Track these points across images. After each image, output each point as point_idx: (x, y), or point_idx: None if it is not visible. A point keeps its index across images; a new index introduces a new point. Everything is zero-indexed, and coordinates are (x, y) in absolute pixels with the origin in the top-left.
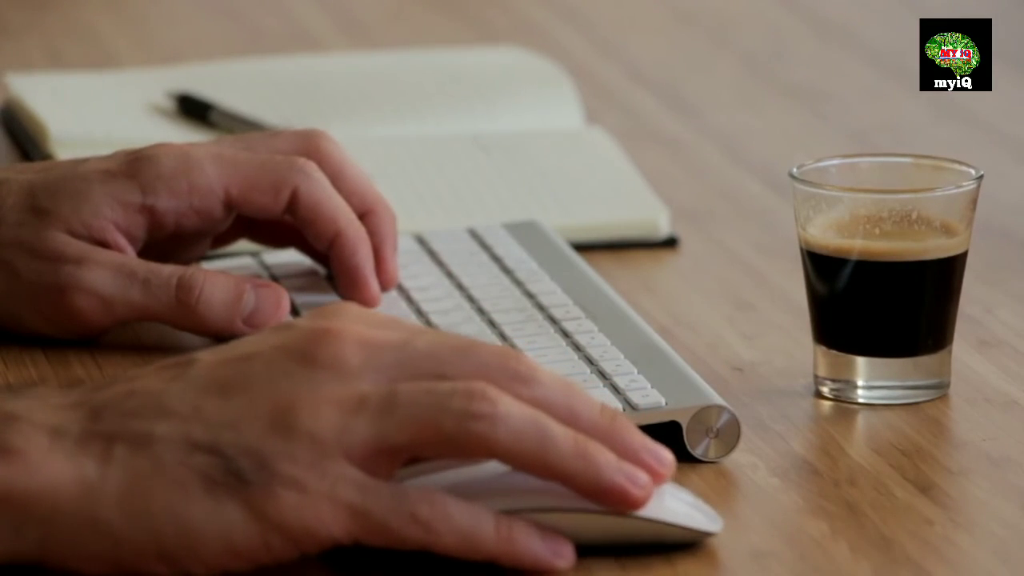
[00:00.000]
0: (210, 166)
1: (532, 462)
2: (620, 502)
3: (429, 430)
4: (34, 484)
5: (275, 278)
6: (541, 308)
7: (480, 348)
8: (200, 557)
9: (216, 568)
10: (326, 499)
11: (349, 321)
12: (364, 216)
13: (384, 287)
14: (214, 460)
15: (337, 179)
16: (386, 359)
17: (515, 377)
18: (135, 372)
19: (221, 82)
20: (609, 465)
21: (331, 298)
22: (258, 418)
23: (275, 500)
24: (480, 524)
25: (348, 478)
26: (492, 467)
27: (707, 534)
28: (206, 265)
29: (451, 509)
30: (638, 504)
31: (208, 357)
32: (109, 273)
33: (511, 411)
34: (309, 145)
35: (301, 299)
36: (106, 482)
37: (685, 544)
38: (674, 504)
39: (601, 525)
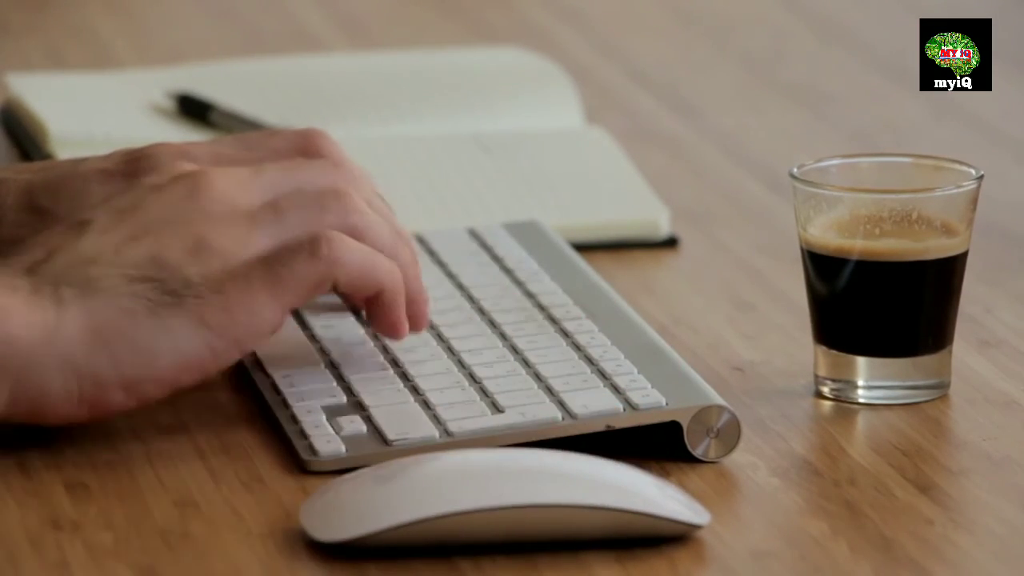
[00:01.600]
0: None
1: (383, 250)
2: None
3: (314, 228)
4: (4, 334)
5: None
6: (541, 308)
7: (311, 163)
8: (156, 376)
9: (169, 386)
10: (247, 292)
11: (204, 164)
12: None
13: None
14: (150, 285)
15: None
16: (254, 184)
17: (351, 179)
18: (33, 241)
19: (221, 82)
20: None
21: (332, 298)
22: (172, 249)
23: (209, 306)
24: (378, 257)
25: (258, 269)
26: (491, 465)
27: (695, 527)
28: None
29: (348, 242)
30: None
31: (100, 215)
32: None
33: (371, 213)
34: (308, 145)
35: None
36: (64, 321)
37: (684, 544)
38: (663, 500)
39: (595, 520)
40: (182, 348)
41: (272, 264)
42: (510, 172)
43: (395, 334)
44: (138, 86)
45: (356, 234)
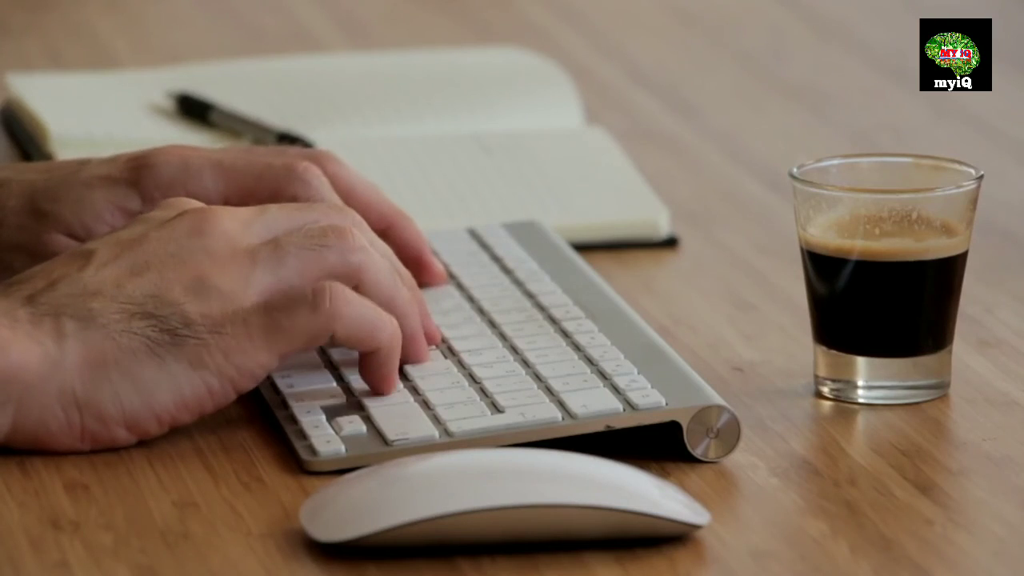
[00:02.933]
0: (209, 175)
1: (382, 291)
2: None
3: (315, 265)
4: (5, 364)
5: None
6: (541, 308)
7: (313, 205)
8: (155, 414)
9: (168, 423)
10: (245, 336)
11: (207, 202)
12: (386, 231)
13: (436, 282)
14: (151, 323)
15: (349, 198)
16: (257, 223)
17: (356, 224)
18: (35, 269)
19: (221, 82)
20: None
21: None
22: (173, 286)
23: (207, 348)
24: (378, 314)
25: (258, 315)
26: (491, 465)
27: (695, 527)
28: None
29: (350, 296)
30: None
31: (104, 247)
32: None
33: (373, 252)
34: (319, 165)
35: None
36: (65, 354)
37: (684, 543)
38: (663, 500)
39: (595, 520)
40: (181, 388)
41: (272, 312)
42: (510, 172)
43: (382, 390)
44: (138, 86)
45: (358, 272)
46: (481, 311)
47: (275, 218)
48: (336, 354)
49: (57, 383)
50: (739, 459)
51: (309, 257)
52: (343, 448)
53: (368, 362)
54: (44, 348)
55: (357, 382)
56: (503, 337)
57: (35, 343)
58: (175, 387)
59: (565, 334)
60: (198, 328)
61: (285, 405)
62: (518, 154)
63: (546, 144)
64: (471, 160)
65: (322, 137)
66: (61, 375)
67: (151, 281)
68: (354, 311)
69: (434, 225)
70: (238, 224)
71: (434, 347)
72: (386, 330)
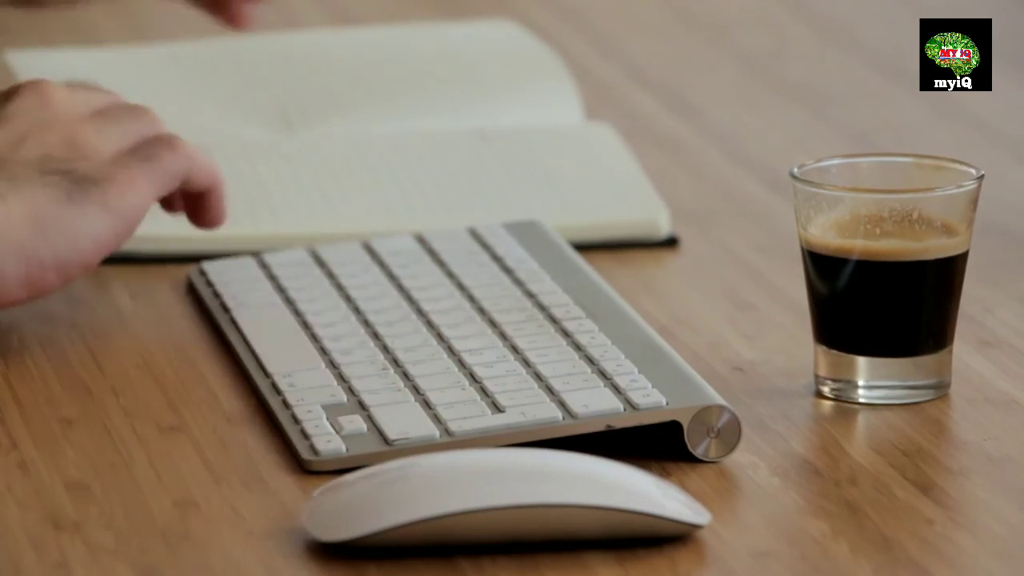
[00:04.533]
0: None
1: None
2: None
3: (142, 127)
4: None
5: (274, 278)
6: (542, 308)
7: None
8: (80, 259)
9: (87, 267)
10: (130, 178)
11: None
12: None
13: None
14: (61, 177)
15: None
16: (77, 95)
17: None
18: None
19: (214, 62)
20: None
21: (331, 298)
22: (56, 147)
23: (108, 193)
24: (207, 154)
25: (134, 161)
26: (491, 465)
27: (695, 526)
28: (207, 265)
29: (193, 148)
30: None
31: None
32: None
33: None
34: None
35: (302, 295)
36: (11, 210)
37: (684, 543)
38: (663, 500)
39: (596, 519)
40: (97, 231)
41: (144, 157)
42: (511, 169)
43: (221, 222)
44: (131, 63)
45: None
46: (481, 311)
47: (85, 94)
48: (336, 354)
49: (11, 236)
50: (739, 459)
51: (135, 124)
52: (344, 447)
53: (208, 202)
54: None
55: (357, 382)
56: (503, 337)
57: None
58: (93, 231)
59: (566, 334)
60: (96, 178)
61: (286, 405)
62: (520, 149)
63: (548, 139)
64: (473, 155)
65: (324, 132)
66: (13, 229)
67: (36, 145)
68: (199, 152)
69: (434, 223)
70: (68, 93)
71: (434, 347)
72: (217, 166)
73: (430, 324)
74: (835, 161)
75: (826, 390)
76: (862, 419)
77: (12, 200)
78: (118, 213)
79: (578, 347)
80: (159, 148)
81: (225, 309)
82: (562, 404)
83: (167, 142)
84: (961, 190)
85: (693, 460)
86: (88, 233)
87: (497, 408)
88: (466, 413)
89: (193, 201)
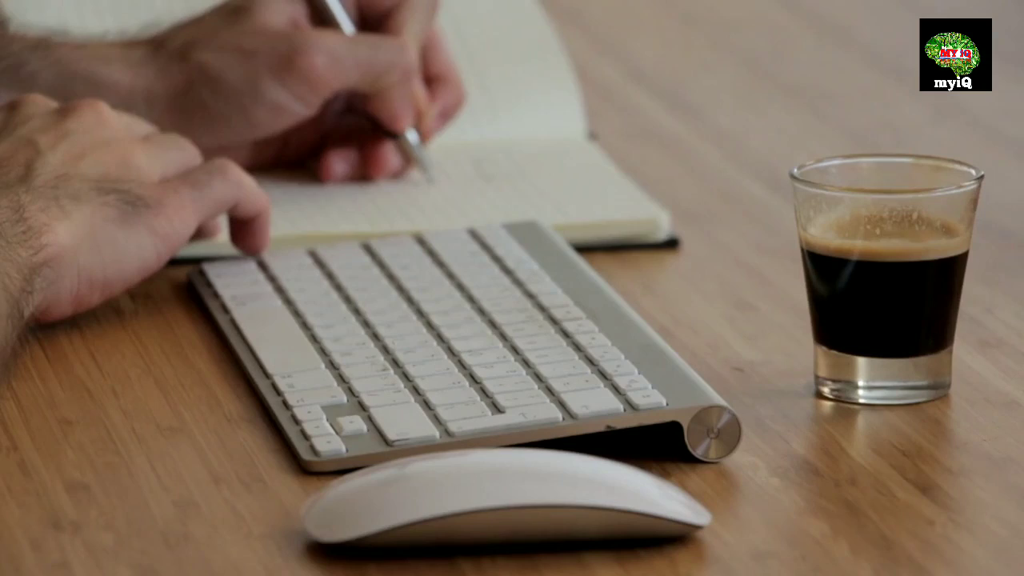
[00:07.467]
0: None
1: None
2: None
3: (187, 156)
4: (55, 244)
5: (274, 278)
6: (542, 309)
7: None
8: (125, 278)
9: (128, 287)
10: (180, 204)
11: (96, 101)
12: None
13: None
14: (116, 196)
15: None
16: (130, 118)
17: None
18: None
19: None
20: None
21: (331, 298)
22: (111, 166)
23: (157, 217)
24: (253, 180)
25: (185, 187)
26: (491, 465)
27: (695, 527)
28: (207, 265)
29: (243, 175)
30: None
31: (38, 135)
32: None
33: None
34: None
35: (302, 296)
36: (75, 228)
37: (684, 543)
38: (663, 500)
39: (596, 520)
40: (143, 253)
41: (195, 184)
42: (509, 186)
43: (263, 247)
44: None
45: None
46: (481, 311)
47: (131, 119)
48: (336, 354)
49: (77, 256)
50: (739, 459)
51: (181, 153)
52: (344, 448)
53: (257, 224)
54: (65, 226)
55: (357, 382)
56: (503, 337)
57: (59, 223)
58: (140, 253)
59: (566, 334)
60: (147, 199)
61: (286, 405)
62: (516, 175)
63: (545, 157)
64: (472, 185)
65: None
66: (79, 249)
67: (95, 163)
68: (248, 179)
69: (433, 228)
70: (115, 114)
71: (434, 348)
72: (264, 194)
73: (430, 325)
74: (835, 161)
75: (826, 390)
76: (862, 419)
77: (76, 217)
78: (164, 238)
79: (578, 348)
80: (212, 175)
81: (225, 309)
82: (562, 405)
83: (220, 169)
84: (961, 190)
85: (693, 460)
86: (135, 255)
87: (497, 409)
88: (466, 414)
89: (239, 226)
